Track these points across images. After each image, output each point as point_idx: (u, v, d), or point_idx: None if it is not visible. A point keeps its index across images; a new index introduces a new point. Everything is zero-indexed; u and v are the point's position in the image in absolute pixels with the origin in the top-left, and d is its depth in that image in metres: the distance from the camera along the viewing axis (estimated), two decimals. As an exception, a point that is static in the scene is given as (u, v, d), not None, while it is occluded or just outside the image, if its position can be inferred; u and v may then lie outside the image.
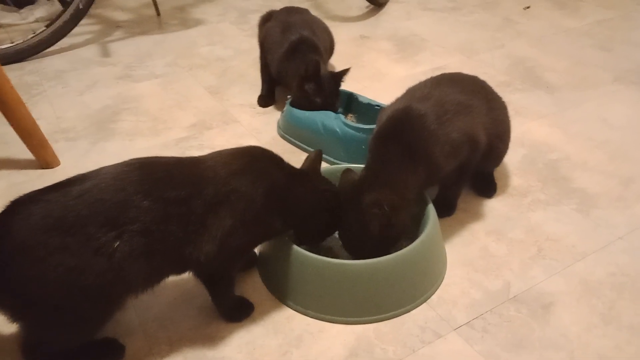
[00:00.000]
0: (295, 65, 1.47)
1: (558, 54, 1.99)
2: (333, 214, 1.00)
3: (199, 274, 0.93)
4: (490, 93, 1.22)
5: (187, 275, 0.93)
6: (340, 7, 2.47)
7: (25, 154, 1.39)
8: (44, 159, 1.36)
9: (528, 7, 2.44)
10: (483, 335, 0.94)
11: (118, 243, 0.78)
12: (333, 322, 0.97)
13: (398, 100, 1.13)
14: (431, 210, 1.05)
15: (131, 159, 0.88)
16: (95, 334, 0.86)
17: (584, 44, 2.06)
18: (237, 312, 0.98)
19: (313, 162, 1.03)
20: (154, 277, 0.87)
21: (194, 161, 0.91)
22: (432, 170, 1.05)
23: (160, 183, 0.84)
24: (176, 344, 0.94)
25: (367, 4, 2.42)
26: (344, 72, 1.48)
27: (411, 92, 1.14)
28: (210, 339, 0.94)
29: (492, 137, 1.15)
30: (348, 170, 1.08)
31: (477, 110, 1.12)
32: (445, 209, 1.19)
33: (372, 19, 2.34)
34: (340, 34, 2.03)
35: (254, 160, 0.94)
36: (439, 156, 1.04)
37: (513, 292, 1.02)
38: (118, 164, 0.87)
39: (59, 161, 1.39)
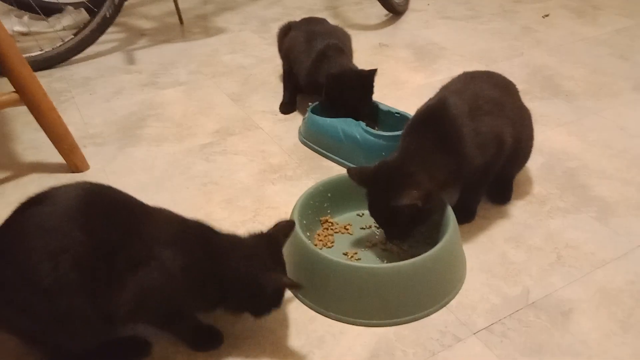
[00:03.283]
0: (325, 72, 1.49)
1: (576, 63, 1.99)
2: (263, 299, 0.90)
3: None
4: (517, 95, 1.26)
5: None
6: (358, 15, 2.51)
7: (55, 158, 1.44)
8: (74, 163, 1.41)
9: (547, 15, 2.44)
10: (502, 340, 0.95)
11: (53, 275, 0.77)
12: (354, 324, 0.99)
13: (434, 96, 1.17)
14: (451, 215, 1.07)
15: (88, 185, 0.88)
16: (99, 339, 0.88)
17: (602, 53, 2.07)
18: (202, 343, 0.95)
19: (273, 234, 0.94)
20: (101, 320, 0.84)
21: (134, 205, 0.90)
22: (461, 162, 1.07)
23: (100, 220, 0.82)
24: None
25: (386, 12, 2.45)
26: (372, 72, 1.49)
27: (445, 87, 1.19)
28: (235, 339, 0.97)
29: (518, 140, 1.18)
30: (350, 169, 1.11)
31: (508, 110, 1.15)
32: (465, 215, 1.20)
33: (391, 28, 2.37)
34: (359, 42, 2.06)
35: (186, 230, 0.89)
36: (470, 148, 1.07)
37: (532, 298, 1.03)
38: (72, 187, 0.86)
39: (88, 165, 1.44)
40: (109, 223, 0.83)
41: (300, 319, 1.01)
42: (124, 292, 0.82)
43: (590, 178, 1.37)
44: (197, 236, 0.89)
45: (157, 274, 0.84)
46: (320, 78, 1.50)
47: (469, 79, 1.20)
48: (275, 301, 0.92)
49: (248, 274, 0.87)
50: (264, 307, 0.92)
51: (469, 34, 2.29)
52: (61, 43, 2.02)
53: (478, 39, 2.24)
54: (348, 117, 1.44)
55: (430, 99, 1.16)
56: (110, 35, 2.27)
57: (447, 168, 1.06)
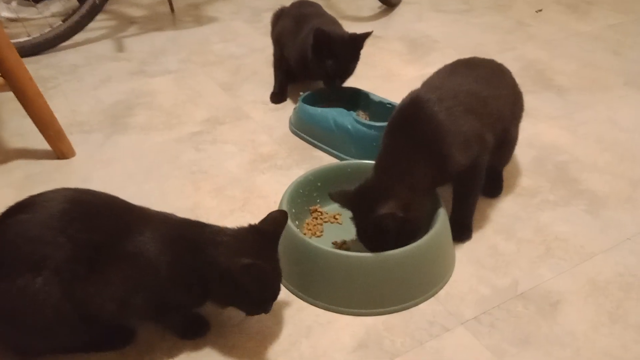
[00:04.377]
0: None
1: (569, 57, 1.99)
2: (239, 287, 0.86)
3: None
4: (505, 79, 1.20)
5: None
6: (351, 7, 2.49)
7: (42, 145, 1.41)
8: (60, 150, 1.39)
9: (540, 10, 2.44)
10: (490, 330, 0.95)
11: (39, 281, 0.77)
12: (343, 314, 0.98)
13: (410, 93, 1.12)
14: (440, 206, 1.06)
15: (69, 191, 0.86)
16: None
17: (594, 48, 2.07)
18: (189, 331, 0.94)
19: (263, 226, 0.91)
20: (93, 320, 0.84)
21: (120, 204, 0.89)
22: (443, 163, 1.02)
23: (81, 224, 0.81)
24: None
25: (379, 4, 2.44)
26: (366, 35, 1.47)
27: (425, 83, 1.15)
28: (221, 326, 0.96)
29: (506, 130, 1.14)
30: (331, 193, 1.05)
31: (492, 103, 1.10)
32: (461, 232, 1.13)
33: (384, 20, 2.36)
34: (352, 33, 2.04)
35: (170, 226, 0.88)
36: (451, 146, 1.02)
37: (521, 289, 1.03)
38: (53, 193, 0.86)
39: (74, 152, 1.42)
40: (90, 226, 0.82)
41: (289, 309, 1.00)
42: (109, 290, 0.82)
43: (580, 172, 1.37)
44: (181, 231, 0.88)
45: (143, 270, 0.83)
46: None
47: (448, 72, 1.15)
48: (255, 292, 0.86)
49: (221, 262, 0.84)
50: (248, 300, 0.88)
51: (462, 27, 2.28)
52: (49, 29, 1.99)
53: (471, 32, 2.23)
54: (329, 77, 1.45)
55: (405, 97, 1.11)
56: (100, 23, 2.24)
57: (428, 171, 1.01)
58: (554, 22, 2.32)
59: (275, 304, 1.00)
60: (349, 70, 1.51)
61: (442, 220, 1.04)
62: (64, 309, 0.80)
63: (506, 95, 1.17)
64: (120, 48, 2.08)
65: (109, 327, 0.92)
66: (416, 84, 1.19)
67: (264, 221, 0.92)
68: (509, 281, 1.05)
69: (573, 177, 1.35)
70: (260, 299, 0.88)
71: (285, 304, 1.01)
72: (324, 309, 0.99)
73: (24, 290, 0.77)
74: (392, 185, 1.00)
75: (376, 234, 0.99)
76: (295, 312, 0.99)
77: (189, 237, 0.87)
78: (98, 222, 0.83)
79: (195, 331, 0.94)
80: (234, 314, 0.98)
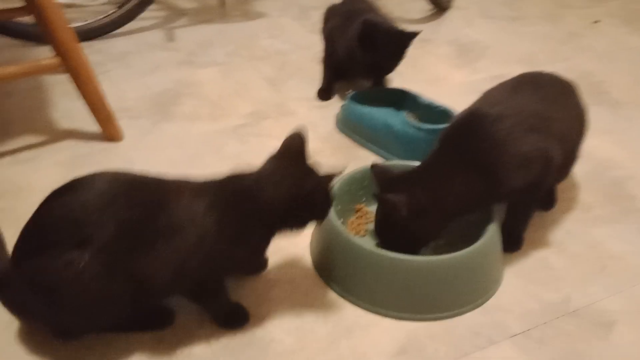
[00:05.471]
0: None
1: (624, 71, 1.92)
2: (311, 203, 0.88)
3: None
4: (571, 98, 1.15)
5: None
6: (400, 8, 2.46)
7: (90, 127, 1.43)
8: (109, 132, 1.40)
9: (598, 22, 2.36)
10: (539, 346, 0.91)
11: (82, 263, 0.77)
12: (384, 316, 0.96)
13: (473, 103, 1.08)
14: (494, 215, 1.02)
15: (110, 173, 0.86)
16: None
17: (652, 64, 1.99)
18: (230, 320, 0.94)
19: (287, 149, 0.92)
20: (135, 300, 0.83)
21: (158, 182, 0.87)
22: (492, 184, 0.97)
23: (117, 200, 0.80)
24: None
25: (430, 7, 2.40)
26: (414, 33, 1.45)
27: (486, 95, 1.09)
28: (260, 319, 0.95)
29: (567, 152, 1.08)
30: (377, 164, 1.05)
31: (557, 124, 1.04)
32: (511, 242, 1.08)
33: (433, 24, 2.32)
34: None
35: (207, 190, 0.87)
36: (504, 169, 0.97)
37: (573, 306, 0.99)
38: (97, 175, 0.85)
39: (122, 136, 1.43)
40: (131, 203, 0.81)
41: (330, 307, 0.98)
42: (162, 261, 0.81)
43: (637, 189, 1.31)
44: (221, 185, 0.88)
45: (193, 234, 0.82)
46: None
47: (512, 88, 1.09)
48: (320, 206, 0.90)
49: (285, 186, 0.86)
50: (315, 211, 0.91)
51: (513, 35, 2.22)
52: (103, 16, 2.02)
53: (522, 40, 2.17)
54: (372, 71, 1.45)
55: (464, 110, 1.06)
56: (151, 13, 2.26)
57: (470, 191, 0.96)
58: (608, 35, 2.24)
59: (315, 301, 0.98)
60: (391, 65, 1.49)
61: (492, 231, 0.99)
62: (109, 287, 0.79)
63: (573, 116, 1.12)
64: (170, 38, 2.09)
65: (151, 308, 0.92)
66: (464, 90, 1.15)
67: (285, 146, 0.92)
68: (560, 297, 1.01)
69: (629, 193, 1.29)
70: (324, 212, 0.92)
71: (326, 301, 0.99)
72: (366, 310, 0.97)
73: (68, 266, 0.77)
74: (420, 187, 0.96)
75: (379, 219, 1.00)
76: (336, 310, 0.97)
77: (232, 187, 0.87)
78: (138, 199, 0.82)
79: (236, 320, 0.93)
80: (272, 307, 0.96)
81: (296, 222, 0.90)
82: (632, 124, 1.59)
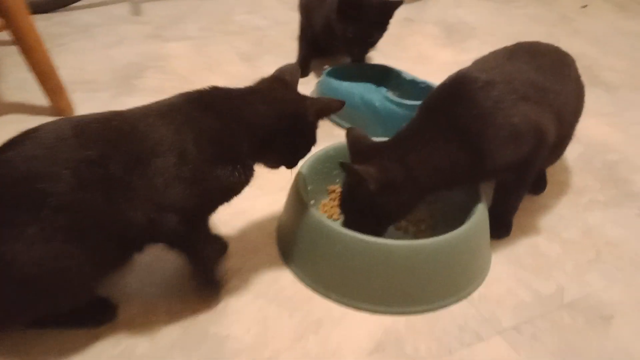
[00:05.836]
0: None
1: (617, 55, 1.84)
2: (300, 128, 0.81)
3: (165, 244, 0.78)
4: (570, 71, 1.04)
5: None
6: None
7: (40, 100, 1.30)
8: (58, 105, 1.27)
9: (585, 6, 2.28)
10: (532, 343, 0.81)
11: (35, 226, 0.65)
12: (358, 309, 0.85)
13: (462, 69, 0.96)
14: (480, 197, 0.92)
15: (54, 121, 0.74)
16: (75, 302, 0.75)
17: (646, 47, 1.91)
18: (214, 277, 0.86)
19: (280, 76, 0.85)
20: (102, 261, 0.73)
21: (110, 116, 0.75)
22: (477, 158, 0.86)
23: (66, 143, 0.68)
24: (176, 315, 0.82)
25: (415, -13, 2.29)
26: (397, 3, 1.33)
27: (477, 61, 0.98)
28: (217, 314, 0.83)
29: (562, 129, 0.97)
30: (353, 128, 0.94)
31: (553, 97, 0.93)
32: (499, 228, 0.98)
33: (420, 3, 2.22)
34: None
35: (179, 105, 0.77)
36: (492, 142, 0.85)
37: (567, 297, 0.89)
38: (47, 124, 0.73)
39: (73, 109, 1.30)
40: (91, 144, 0.69)
41: (296, 298, 0.87)
42: (142, 196, 0.70)
43: (632, 172, 1.22)
44: (198, 98, 0.77)
45: (171, 157, 0.71)
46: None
47: (507, 55, 0.99)
48: (309, 132, 0.83)
49: (276, 103, 0.78)
50: (301, 139, 0.83)
51: (503, 16, 2.13)
52: (64, -14, 1.88)
53: (513, 21, 2.08)
54: (352, 46, 1.34)
55: (452, 74, 0.94)
56: (119, -15, 2.12)
57: (448, 164, 0.85)
58: (600, 19, 2.16)
59: (280, 292, 0.87)
60: (373, 38, 1.38)
61: (480, 214, 0.89)
62: (69, 255, 0.68)
63: (571, 91, 1.01)
64: (137, 11, 1.96)
65: (91, 302, 0.79)
66: (451, 69, 1.03)
67: (280, 71, 0.86)
68: (553, 287, 0.91)
69: (624, 177, 1.20)
70: (308, 144, 0.85)
71: (293, 293, 0.87)
72: (337, 302, 0.86)
73: (18, 236, 0.65)
74: (394, 158, 0.84)
75: (345, 191, 0.89)
76: (303, 302, 0.86)
77: (211, 107, 0.77)
78: (93, 135, 0.71)
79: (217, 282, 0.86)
80: (232, 301, 0.85)
81: (278, 150, 0.81)
82: (627, 107, 1.51)
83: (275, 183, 1.06)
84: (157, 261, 0.90)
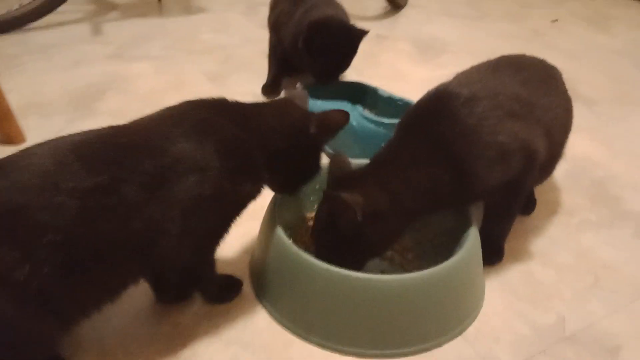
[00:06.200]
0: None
1: (593, 69, 1.82)
2: (312, 147, 0.81)
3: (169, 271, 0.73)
4: (557, 85, 0.98)
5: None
6: (356, 6, 2.30)
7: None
8: (7, 133, 1.16)
9: (556, 20, 2.28)
10: (536, 384, 0.73)
11: (27, 267, 0.56)
12: (343, 354, 0.75)
13: (441, 84, 0.89)
14: (472, 222, 0.84)
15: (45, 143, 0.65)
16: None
17: (619, 61, 1.90)
18: (224, 292, 0.82)
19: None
20: (108, 293, 0.66)
21: (113, 132, 0.67)
22: (465, 180, 0.79)
23: (69, 169, 0.60)
24: (139, 369, 0.72)
25: (385, 5, 2.25)
26: (362, 33, 1.31)
27: (458, 76, 0.91)
28: (184, 364, 0.73)
29: (552, 145, 0.91)
30: (338, 155, 0.87)
31: (541, 112, 0.87)
32: (491, 254, 0.91)
33: (390, 20, 2.18)
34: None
35: (192, 113, 0.73)
36: (477, 162, 0.79)
37: (569, 329, 0.82)
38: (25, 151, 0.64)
39: (24, 138, 1.18)
40: (94, 165, 0.61)
41: (273, 343, 0.77)
42: (155, 229, 0.63)
43: (621, 189, 1.17)
44: (212, 111, 0.74)
45: (192, 174, 0.65)
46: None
47: (491, 69, 0.93)
48: (315, 155, 0.82)
49: (291, 121, 0.77)
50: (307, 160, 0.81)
51: (475, 32, 2.10)
52: (17, 7, 1.77)
53: (485, 37, 2.05)
54: (322, 76, 1.29)
55: (432, 89, 0.88)
56: (77, 6, 2.02)
57: (432, 187, 0.78)
58: (571, 34, 2.16)
59: (254, 337, 0.78)
60: (341, 68, 1.34)
61: (472, 240, 0.81)
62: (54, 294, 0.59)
63: (560, 104, 0.95)
64: (97, 31, 1.86)
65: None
66: (427, 86, 0.96)
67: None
68: (552, 318, 0.84)
69: (613, 195, 1.15)
70: (314, 168, 0.84)
71: (269, 337, 0.78)
72: (319, 346, 0.76)
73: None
74: (376, 184, 0.77)
75: (322, 223, 0.80)
76: (282, 348, 0.76)
77: (227, 115, 0.73)
78: (108, 157, 0.62)
79: (230, 290, 0.83)
80: (202, 348, 0.75)
81: (284, 167, 0.78)
82: (608, 122, 1.47)
83: (248, 211, 0.97)
84: (114, 306, 0.79)
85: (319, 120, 0.78)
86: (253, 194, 0.75)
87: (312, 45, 1.27)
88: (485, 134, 0.80)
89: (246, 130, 0.72)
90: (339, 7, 1.45)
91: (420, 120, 0.83)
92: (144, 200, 0.62)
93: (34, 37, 1.78)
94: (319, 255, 0.77)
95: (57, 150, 0.62)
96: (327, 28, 1.27)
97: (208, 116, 0.71)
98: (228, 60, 1.68)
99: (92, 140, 0.64)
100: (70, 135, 0.66)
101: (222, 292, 0.82)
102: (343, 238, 0.77)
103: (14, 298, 0.57)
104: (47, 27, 1.86)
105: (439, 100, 0.83)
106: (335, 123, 0.80)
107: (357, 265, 0.77)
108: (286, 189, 0.84)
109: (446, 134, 0.79)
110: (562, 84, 1.01)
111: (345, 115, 0.80)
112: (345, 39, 1.30)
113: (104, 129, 0.67)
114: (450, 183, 0.79)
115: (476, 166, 0.80)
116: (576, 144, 1.33)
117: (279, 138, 0.75)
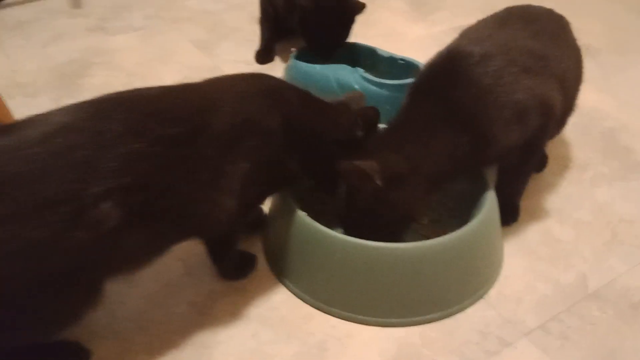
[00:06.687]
0: None
1: (592, 18, 1.77)
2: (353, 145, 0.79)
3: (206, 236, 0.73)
4: (567, 35, 0.95)
5: (170, 259, 0.70)
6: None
7: (-30, 110, 1.12)
8: (-4, 115, 1.10)
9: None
10: (563, 344, 0.72)
11: (108, 205, 0.56)
12: (366, 324, 0.74)
13: (451, 43, 0.85)
14: (489, 185, 0.81)
15: (104, 95, 0.64)
16: (61, 332, 0.63)
17: (616, 9, 1.85)
18: (240, 268, 0.81)
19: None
20: (153, 250, 0.66)
21: (186, 88, 0.69)
22: (481, 142, 0.76)
23: (151, 119, 0.61)
24: (157, 352, 0.70)
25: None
26: (360, 6, 1.26)
27: (466, 32, 0.87)
28: (202, 347, 0.71)
29: (565, 99, 0.88)
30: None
31: (554, 64, 0.84)
32: (507, 214, 0.88)
33: (380, -23, 2.10)
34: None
35: (264, 81, 0.75)
36: (495, 123, 0.76)
37: (592, 286, 0.80)
38: (85, 102, 0.63)
39: (13, 119, 1.12)
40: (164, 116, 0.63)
41: (293, 317, 0.75)
42: (226, 185, 0.65)
43: (632, 140, 1.15)
44: (281, 87, 0.76)
45: (257, 140, 0.67)
46: None
47: (499, 23, 0.89)
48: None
49: (333, 115, 0.77)
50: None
51: (469, -15, 2.03)
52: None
53: (479, -10, 1.99)
54: (318, 52, 1.26)
55: (442, 49, 0.84)
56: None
57: (451, 152, 0.75)
58: (568, -18, 2.10)
59: (272, 312, 0.75)
60: (339, 42, 1.30)
61: (490, 203, 0.79)
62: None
63: (571, 55, 0.92)
64: (76, 4, 1.76)
65: (65, 344, 0.68)
66: (425, 44, 0.93)
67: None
68: (573, 276, 0.82)
69: (624, 146, 1.13)
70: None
71: (288, 311, 0.76)
72: (341, 318, 0.74)
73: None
74: (393, 149, 0.74)
75: (345, 198, 0.77)
76: (302, 322, 0.74)
77: (281, 94, 0.74)
78: (172, 112, 0.63)
79: (247, 267, 0.81)
80: (219, 328, 0.72)
81: (326, 163, 0.75)
82: (612, 72, 1.44)
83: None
84: (128, 289, 0.76)
85: (363, 121, 0.78)
86: (295, 176, 0.76)
87: (308, 26, 1.25)
88: (502, 93, 0.77)
89: (309, 113, 0.75)
90: None
91: (434, 83, 0.80)
92: (218, 156, 0.64)
93: (9, 13, 1.69)
94: (351, 235, 0.74)
95: (137, 99, 0.65)
96: (322, 9, 1.22)
97: (279, 89, 0.74)
98: (216, 27, 1.61)
99: (167, 93, 0.67)
100: (143, 89, 0.68)
101: (237, 268, 0.80)
102: (370, 213, 0.74)
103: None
104: (23, 1, 1.76)
105: (452, 61, 0.80)
106: (374, 123, 0.80)
107: (393, 237, 0.74)
108: (325, 187, 0.82)
109: (462, 96, 0.76)
110: (572, 34, 0.97)
111: (376, 111, 0.81)
112: (341, 15, 1.26)
113: (175, 85, 0.69)
114: (467, 146, 0.76)
115: (494, 128, 0.77)
116: (582, 95, 1.30)
117: (331, 131, 0.76)
